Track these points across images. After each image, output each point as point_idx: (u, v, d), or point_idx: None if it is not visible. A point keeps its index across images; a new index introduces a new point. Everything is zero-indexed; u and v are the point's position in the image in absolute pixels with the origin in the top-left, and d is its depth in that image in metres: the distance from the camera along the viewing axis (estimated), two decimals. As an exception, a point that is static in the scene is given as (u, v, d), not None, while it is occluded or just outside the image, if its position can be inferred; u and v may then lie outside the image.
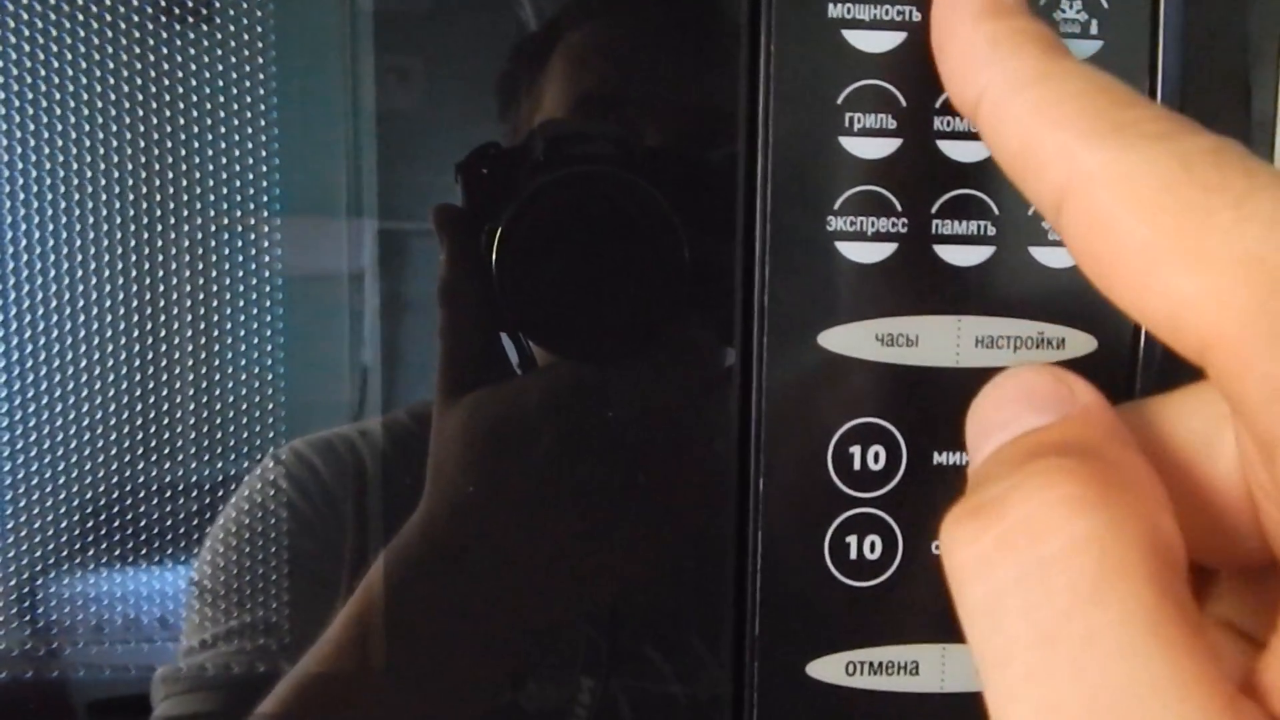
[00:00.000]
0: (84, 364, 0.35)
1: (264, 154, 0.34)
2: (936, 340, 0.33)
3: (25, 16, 0.33)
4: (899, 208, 0.32)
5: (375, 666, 0.35)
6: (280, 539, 0.36)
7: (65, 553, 0.36)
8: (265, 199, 0.35)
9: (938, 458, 0.33)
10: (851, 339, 0.33)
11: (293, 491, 0.36)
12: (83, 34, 0.33)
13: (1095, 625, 0.18)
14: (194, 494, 0.36)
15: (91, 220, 0.34)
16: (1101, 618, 0.18)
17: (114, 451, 0.35)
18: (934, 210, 0.33)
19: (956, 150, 0.32)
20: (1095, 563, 0.19)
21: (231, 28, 0.34)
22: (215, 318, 0.35)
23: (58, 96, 0.34)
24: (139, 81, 0.34)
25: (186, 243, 0.34)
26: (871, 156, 0.32)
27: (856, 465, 0.33)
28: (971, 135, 0.32)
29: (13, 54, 0.33)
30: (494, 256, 0.34)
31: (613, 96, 0.34)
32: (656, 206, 0.33)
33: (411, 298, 0.35)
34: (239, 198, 0.34)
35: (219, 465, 0.36)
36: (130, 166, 0.34)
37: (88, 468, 0.35)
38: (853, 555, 0.33)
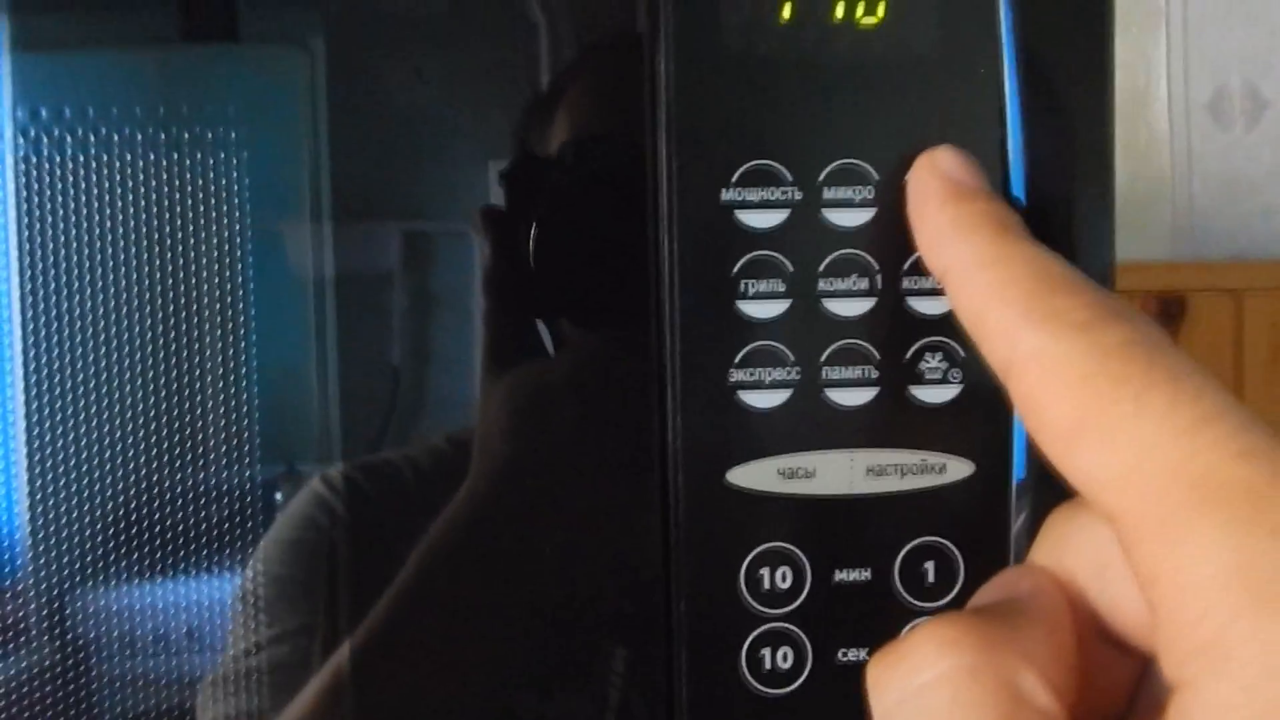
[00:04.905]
0: (111, 372, 0.39)
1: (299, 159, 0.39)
2: (832, 472, 0.38)
3: None
4: (792, 359, 0.37)
5: (417, 643, 0.40)
6: (327, 549, 0.40)
7: (95, 565, 0.39)
8: (292, 206, 0.39)
9: (839, 575, 0.38)
10: (756, 474, 0.37)
11: (339, 507, 0.40)
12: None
13: None
14: (223, 501, 0.40)
15: (118, 230, 0.38)
16: None
17: (143, 459, 0.39)
18: (823, 359, 0.37)
19: (839, 307, 0.37)
20: (951, 696, 0.24)
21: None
22: (243, 321, 0.39)
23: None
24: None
25: (214, 249, 0.39)
26: (764, 316, 0.37)
27: (766, 585, 0.38)
28: (852, 294, 0.37)
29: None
30: (531, 250, 0.38)
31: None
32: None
33: (445, 298, 0.40)
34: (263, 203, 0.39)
35: (248, 472, 0.40)
36: (153, 173, 0.38)
37: (117, 477, 0.39)
38: (767, 666, 0.38)
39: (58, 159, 0.38)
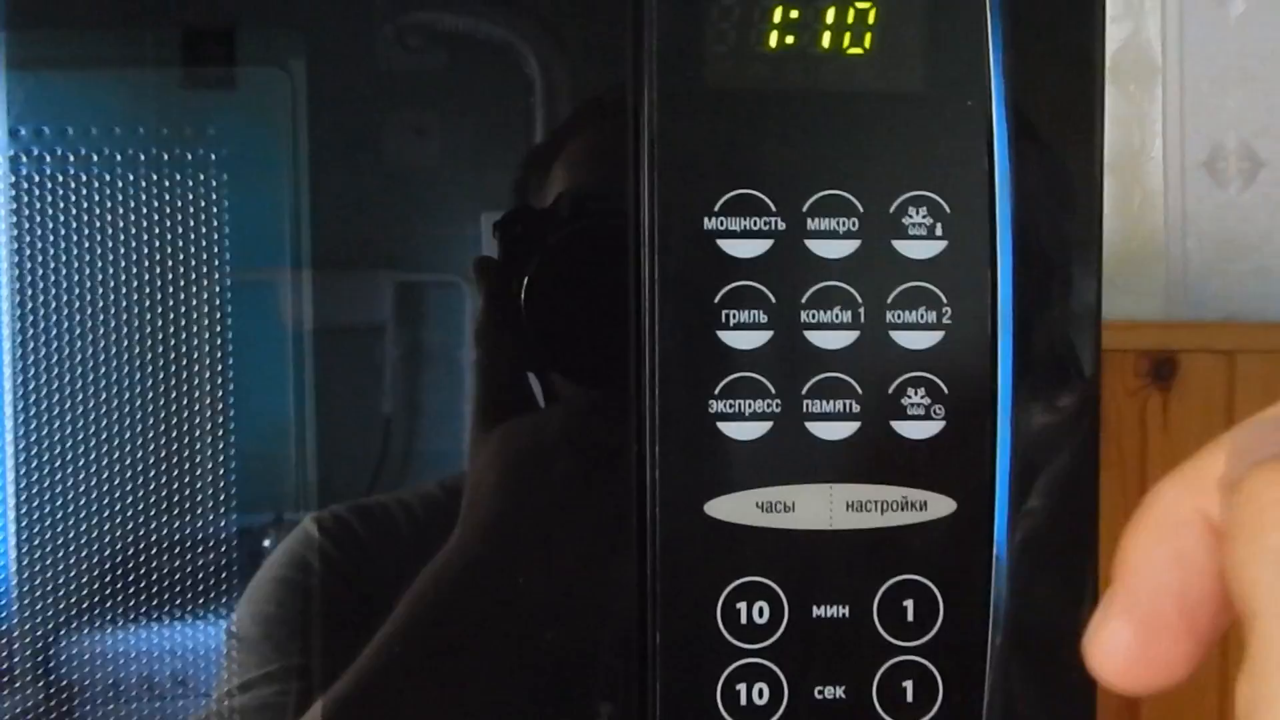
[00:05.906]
0: (100, 421, 0.38)
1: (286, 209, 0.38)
2: (811, 506, 0.37)
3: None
4: (772, 390, 0.37)
5: (403, 686, 0.39)
6: (318, 589, 0.40)
7: (82, 610, 0.39)
8: (286, 253, 0.39)
9: (817, 611, 0.37)
10: (735, 507, 0.37)
11: (330, 548, 0.40)
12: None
13: None
14: (209, 546, 0.39)
15: (110, 282, 0.38)
16: None
17: (130, 506, 0.39)
18: (804, 391, 0.37)
19: (821, 339, 0.37)
20: None
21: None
22: (231, 373, 0.39)
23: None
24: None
25: (204, 298, 0.38)
26: (745, 347, 0.37)
27: (743, 619, 0.37)
28: (834, 326, 0.37)
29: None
30: (522, 301, 0.38)
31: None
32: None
33: (438, 348, 0.40)
34: (259, 254, 0.39)
35: (235, 518, 0.39)
36: (146, 226, 0.38)
37: (104, 522, 0.39)
38: (743, 702, 0.37)
39: (35, 178, 0.38)
